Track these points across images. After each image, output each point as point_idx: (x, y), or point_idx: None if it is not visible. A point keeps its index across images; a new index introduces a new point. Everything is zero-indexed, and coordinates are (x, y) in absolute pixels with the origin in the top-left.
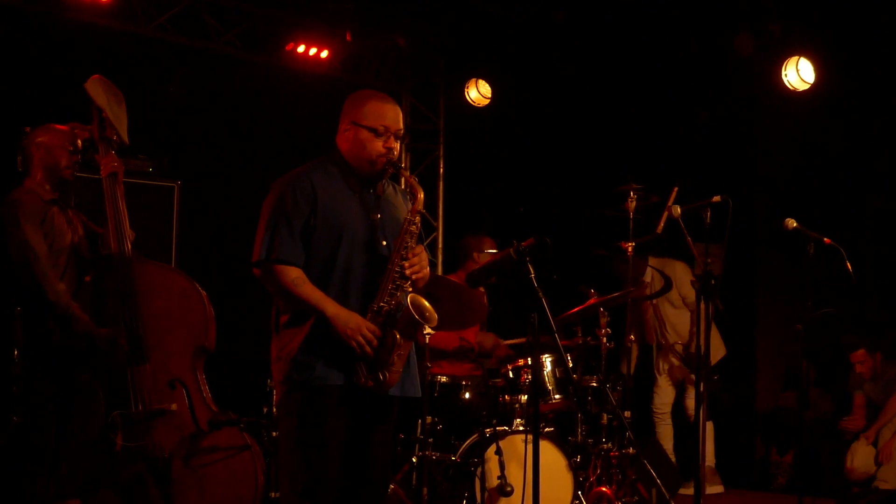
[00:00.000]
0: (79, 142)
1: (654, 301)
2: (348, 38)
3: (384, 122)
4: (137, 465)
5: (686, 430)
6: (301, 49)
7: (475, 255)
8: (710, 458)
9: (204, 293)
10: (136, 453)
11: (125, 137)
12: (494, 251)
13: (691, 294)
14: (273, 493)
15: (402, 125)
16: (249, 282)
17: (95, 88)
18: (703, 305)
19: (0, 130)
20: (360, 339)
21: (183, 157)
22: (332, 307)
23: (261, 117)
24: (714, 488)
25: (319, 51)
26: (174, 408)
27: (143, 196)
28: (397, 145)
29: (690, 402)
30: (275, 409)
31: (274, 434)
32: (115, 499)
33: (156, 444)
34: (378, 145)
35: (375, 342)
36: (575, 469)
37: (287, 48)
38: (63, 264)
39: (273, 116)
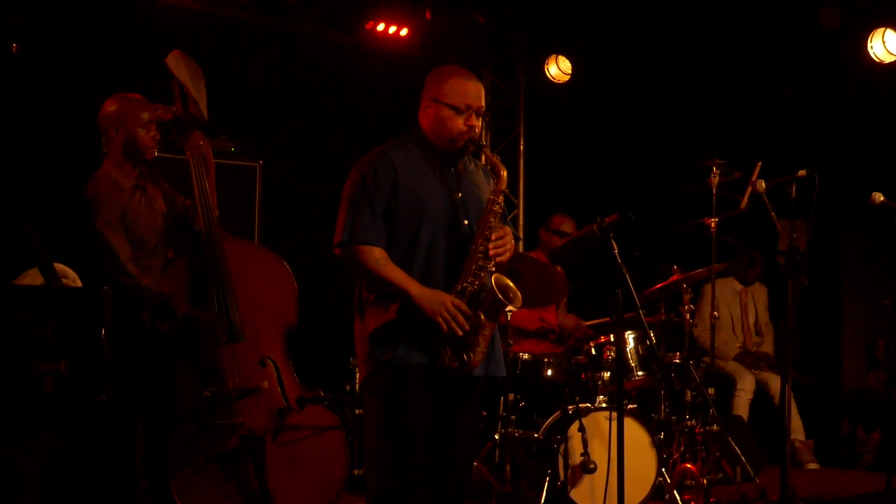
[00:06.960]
0: (157, 113)
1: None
2: (428, 15)
3: (466, 99)
4: (231, 441)
5: (771, 410)
6: (381, 28)
7: (542, 231)
8: (801, 433)
9: (290, 271)
10: (230, 430)
11: (205, 114)
12: (565, 229)
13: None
14: (357, 471)
15: (483, 102)
16: (332, 261)
17: (178, 64)
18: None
19: (83, 114)
20: (446, 314)
21: (265, 137)
22: (415, 287)
23: (341, 96)
24: (811, 465)
25: (399, 29)
26: (265, 385)
27: (225, 176)
28: (479, 122)
29: (773, 384)
30: (357, 387)
31: (357, 412)
32: (219, 472)
33: (249, 421)
34: (459, 123)
35: (461, 317)
36: (658, 446)
37: (367, 27)
38: (150, 249)
39: (353, 95)
